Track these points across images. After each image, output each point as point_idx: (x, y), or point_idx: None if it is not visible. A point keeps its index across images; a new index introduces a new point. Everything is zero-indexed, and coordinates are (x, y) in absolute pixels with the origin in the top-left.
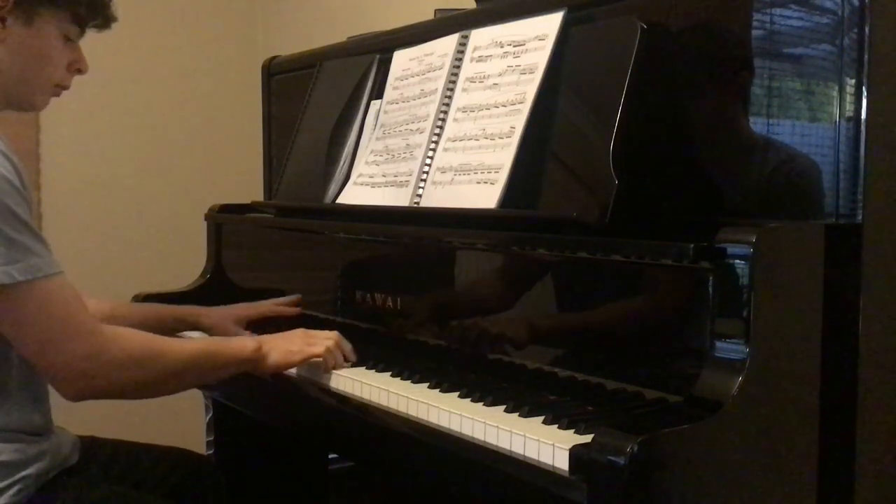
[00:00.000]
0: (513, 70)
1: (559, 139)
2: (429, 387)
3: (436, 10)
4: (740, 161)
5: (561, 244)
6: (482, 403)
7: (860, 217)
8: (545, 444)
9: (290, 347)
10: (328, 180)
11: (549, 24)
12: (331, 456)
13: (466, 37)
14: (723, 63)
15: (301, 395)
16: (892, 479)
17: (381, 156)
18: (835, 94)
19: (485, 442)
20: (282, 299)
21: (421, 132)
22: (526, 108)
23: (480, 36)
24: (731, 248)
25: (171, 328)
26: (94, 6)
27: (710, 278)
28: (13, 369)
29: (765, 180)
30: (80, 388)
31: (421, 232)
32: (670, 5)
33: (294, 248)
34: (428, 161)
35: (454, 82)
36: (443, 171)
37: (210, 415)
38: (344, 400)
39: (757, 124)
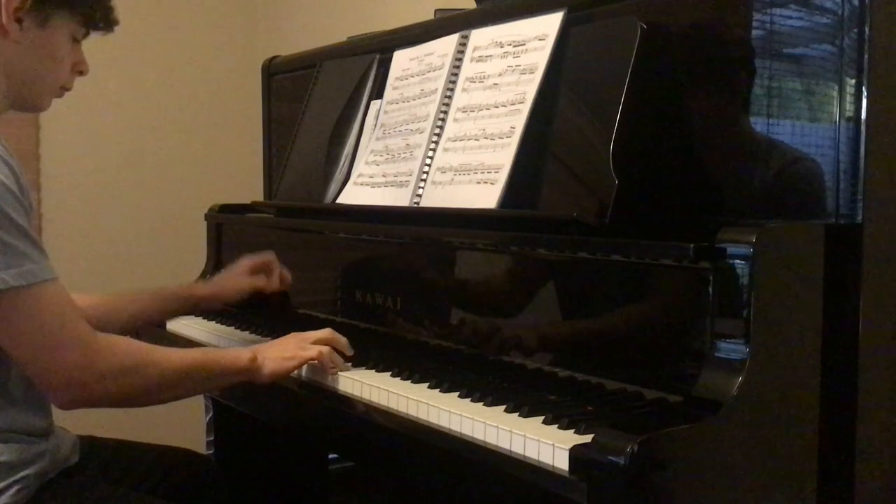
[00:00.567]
0: (513, 70)
1: (559, 139)
2: (429, 387)
3: (436, 10)
4: (740, 161)
5: (561, 244)
6: (482, 403)
7: (860, 217)
8: (545, 444)
9: (284, 354)
10: (328, 180)
11: (549, 24)
12: (331, 456)
13: (466, 37)
14: (723, 63)
15: (301, 395)
16: (892, 479)
17: (381, 156)
18: (835, 94)
19: (485, 442)
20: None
21: (421, 132)
22: (526, 108)
23: (480, 36)
24: (731, 248)
25: (173, 309)
26: (104, 10)
27: (710, 278)
28: (14, 371)
29: (764, 180)
30: (74, 396)
31: (421, 232)
32: (670, 5)
33: (294, 248)
34: (428, 161)
35: (454, 82)
36: (443, 171)
37: (210, 415)
38: (344, 400)
39: (757, 124)
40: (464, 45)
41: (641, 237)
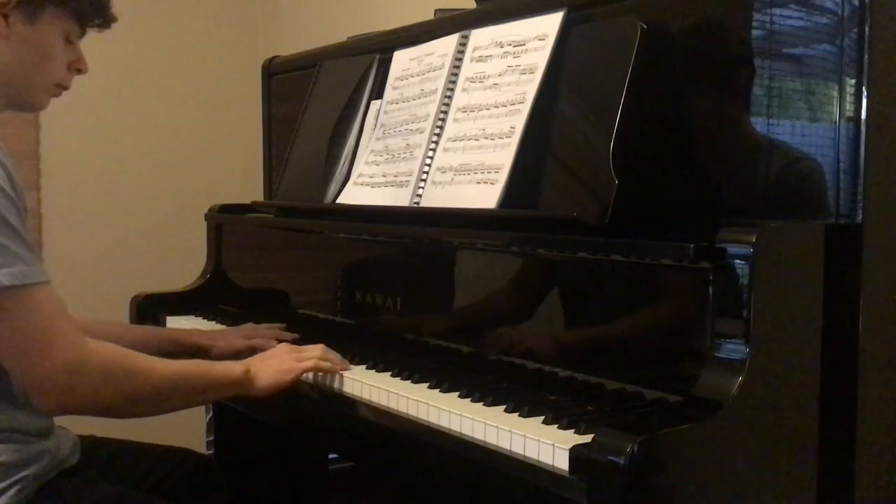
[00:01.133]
0: (513, 70)
1: (559, 139)
2: (429, 387)
3: (436, 10)
4: (740, 161)
5: (561, 244)
6: (482, 403)
7: (860, 217)
8: (545, 444)
9: (281, 366)
10: (328, 180)
11: (549, 24)
12: (331, 456)
13: (466, 37)
14: (723, 63)
15: (301, 395)
16: (892, 479)
17: (381, 156)
18: (835, 94)
19: (485, 442)
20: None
21: (421, 132)
22: (526, 108)
23: (480, 36)
24: (731, 248)
25: (165, 351)
26: (96, 5)
27: (710, 278)
28: None
29: (764, 180)
30: (59, 401)
31: (421, 232)
32: (670, 5)
33: (294, 248)
34: (428, 161)
35: (454, 82)
36: (443, 171)
37: (210, 415)
38: (344, 400)
39: (757, 124)
40: (464, 45)
41: (641, 237)
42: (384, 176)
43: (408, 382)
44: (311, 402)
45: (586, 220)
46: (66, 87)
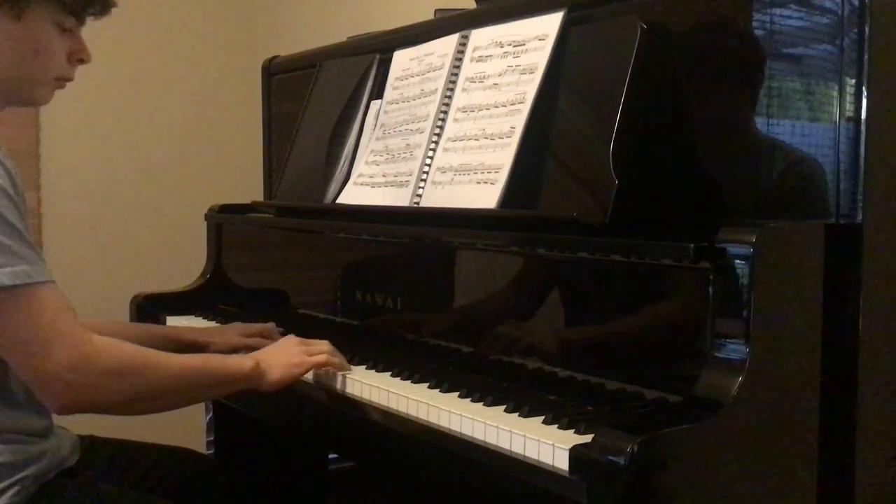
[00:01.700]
0: (513, 70)
1: (559, 139)
2: (429, 387)
3: (436, 10)
4: (740, 161)
5: (561, 244)
6: (482, 403)
7: (860, 217)
8: (545, 444)
9: (291, 360)
10: (328, 180)
11: (549, 24)
12: (331, 456)
13: (466, 37)
14: (723, 63)
15: (301, 394)
16: (892, 479)
17: (381, 156)
18: (835, 94)
19: (485, 442)
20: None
21: (421, 132)
22: (526, 108)
23: (480, 36)
24: (731, 248)
25: (161, 348)
26: None
27: (710, 278)
28: (14, 372)
29: (764, 180)
30: (68, 399)
31: (421, 232)
32: (670, 5)
33: (294, 248)
34: (428, 161)
35: (454, 82)
36: (443, 171)
37: (210, 415)
38: (344, 400)
39: (757, 124)
40: (464, 45)
41: (641, 237)
42: (384, 176)
43: (408, 382)
44: (311, 402)
45: (586, 220)
46: (68, 79)
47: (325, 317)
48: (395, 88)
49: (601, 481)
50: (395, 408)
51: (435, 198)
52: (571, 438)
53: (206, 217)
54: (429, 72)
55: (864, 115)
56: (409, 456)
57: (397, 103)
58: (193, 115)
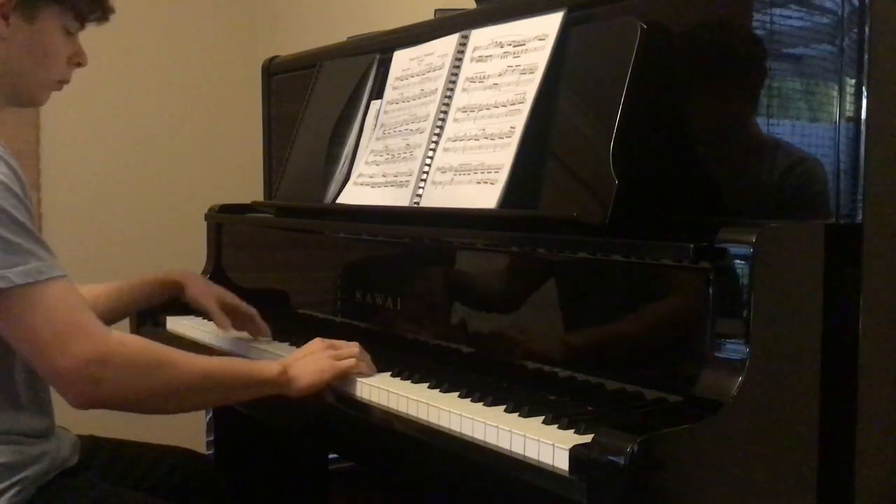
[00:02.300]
0: (513, 70)
1: (559, 139)
2: (429, 387)
3: (436, 10)
4: (739, 161)
5: (561, 244)
6: (482, 403)
7: (860, 217)
8: (545, 444)
9: (320, 365)
10: (328, 180)
11: (549, 24)
12: (331, 456)
13: (466, 37)
14: (723, 63)
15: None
16: (893, 479)
17: (381, 156)
18: (835, 94)
19: (485, 442)
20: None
21: (421, 132)
22: (526, 108)
23: (480, 36)
24: (731, 248)
25: (150, 294)
26: (94, 0)
27: (710, 278)
28: (18, 373)
29: (764, 180)
30: (87, 394)
31: (421, 232)
32: (670, 5)
33: (294, 248)
34: (428, 161)
35: (454, 82)
36: (443, 171)
37: (210, 415)
38: (344, 400)
39: (757, 124)
40: (464, 45)
41: (641, 237)
42: (384, 176)
43: (408, 382)
44: (311, 402)
45: (586, 220)
46: (66, 82)
47: (325, 317)
48: (395, 88)
49: (601, 481)
50: (395, 408)
51: (435, 198)
52: (571, 438)
53: (206, 217)
54: (429, 72)
55: (864, 115)
56: (409, 456)
57: (397, 103)
58: (193, 115)
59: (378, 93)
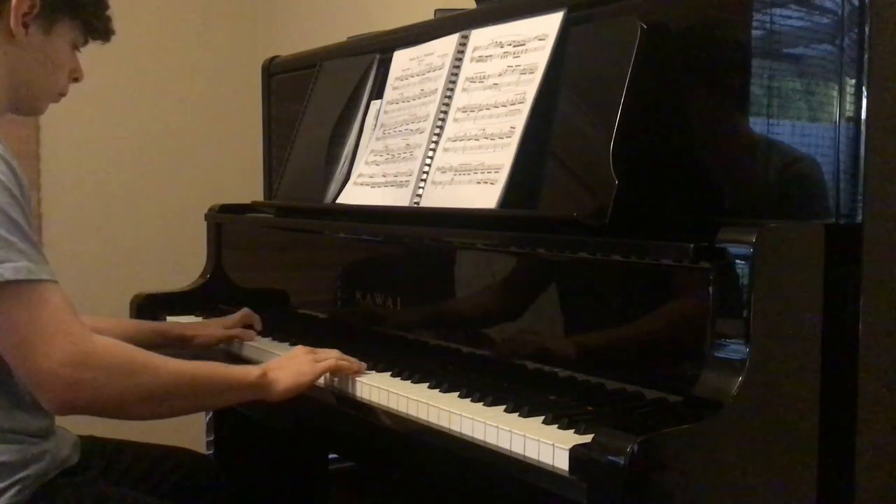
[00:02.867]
0: (513, 70)
1: (559, 139)
2: (429, 387)
3: (436, 10)
4: (740, 161)
5: (561, 244)
6: (482, 403)
7: (860, 217)
8: (545, 444)
9: (300, 368)
10: (328, 180)
11: (549, 24)
12: (331, 456)
13: (466, 37)
14: (723, 63)
15: (301, 395)
16: (892, 479)
17: (381, 156)
18: (835, 94)
19: (485, 442)
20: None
21: (421, 132)
22: (526, 108)
23: (480, 36)
24: (731, 248)
25: (154, 343)
26: (104, 19)
27: (710, 278)
28: None
29: (765, 180)
30: (64, 398)
31: (421, 232)
32: (670, 5)
33: (294, 248)
34: (428, 161)
35: (454, 82)
36: (443, 171)
37: (210, 415)
38: (344, 400)
39: (757, 124)
40: (464, 45)
41: (641, 237)
42: (384, 176)
43: (408, 382)
44: (312, 402)
45: (586, 221)
46: (65, 94)
47: (325, 317)
48: (395, 88)
49: (601, 481)
50: (395, 408)
51: (435, 198)
52: (571, 438)
53: (206, 217)
54: (429, 72)
55: (864, 115)
56: (409, 456)
57: (397, 103)
58: (193, 115)
59: (378, 93)
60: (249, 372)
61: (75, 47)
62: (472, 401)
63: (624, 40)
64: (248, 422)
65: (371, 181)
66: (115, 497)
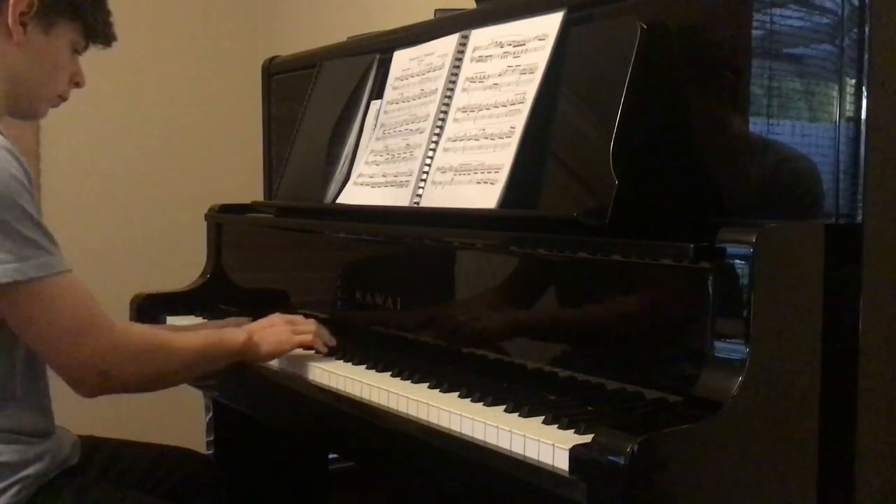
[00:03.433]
0: (513, 70)
1: (559, 139)
2: (429, 387)
3: (436, 10)
4: (740, 161)
5: (561, 244)
6: (482, 403)
7: (860, 217)
8: (545, 444)
9: (280, 337)
10: (328, 180)
11: (549, 24)
12: (331, 456)
13: (466, 37)
14: (722, 63)
15: (301, 394)
16: (893, 479)
17: (381, 156)
18: (835, 94)
19: (485, 442)
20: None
21: (421, 132)
22: (526, 108)
23: (480, 36)
24: (731, 248)
25: None
26: (104, 22)
27: (710, 278)
28: (18, 371)
29: (765, 180)
30: (98, 383)
31: (421, 232)
32: (670, 5)
33: (294, 248)
34: (428, 161)
35: (454, 82)
36: (443, 171)
37: (210, 415)
38: (344, 400)
39: (757, 124)
40: (464, 45)
41: (641, 237)
42: (384, 176)
43: (408, 382)
44: (311, 401)
45: (586, 221)
46: (65, 99)
47: (325, 317)
48: (395, 88)
49: (601, 481)
50: (395, 408)
51: (435, 198)
52: (571, 438)
53: (206, 217)
54: (429, 72)
55: (864, 115)
56: (409, 456)
57: (397, 103)
58: (193, 115)
59: (378, 93)
60: (237, 336)
61: (76, 51)
62: (472, 401)
63: (624, 40)
64: (248, 422)
65: (371, 181)
66: (115, 497)
